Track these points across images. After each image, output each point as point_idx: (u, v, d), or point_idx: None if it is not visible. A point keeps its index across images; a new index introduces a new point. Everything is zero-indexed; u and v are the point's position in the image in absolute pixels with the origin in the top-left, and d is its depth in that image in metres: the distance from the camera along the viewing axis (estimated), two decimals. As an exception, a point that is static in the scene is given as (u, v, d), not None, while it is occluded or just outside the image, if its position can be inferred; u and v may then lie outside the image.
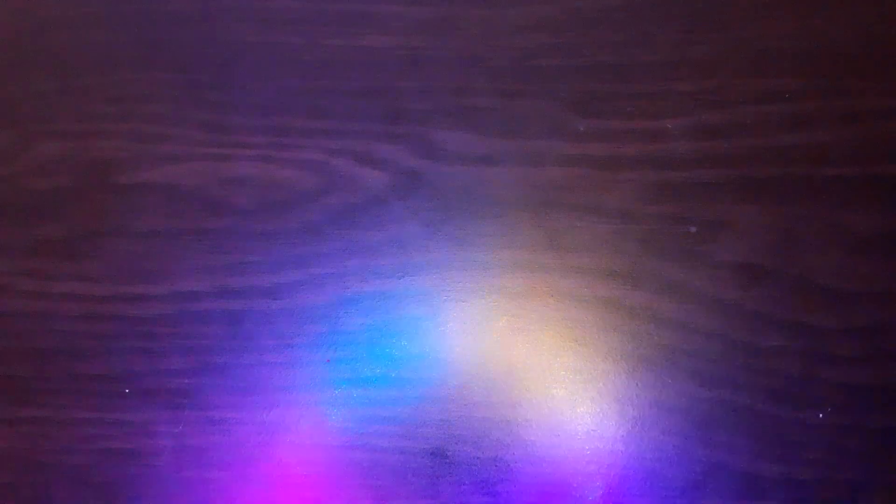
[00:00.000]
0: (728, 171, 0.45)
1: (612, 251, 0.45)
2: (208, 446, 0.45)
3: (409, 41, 0.47)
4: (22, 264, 0.47)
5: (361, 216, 0.46)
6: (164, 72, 0.48)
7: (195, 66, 0.48)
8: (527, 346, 0.45)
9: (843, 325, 0.44)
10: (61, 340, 0.46)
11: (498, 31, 0.47)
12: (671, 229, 0.45)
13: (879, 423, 0.43)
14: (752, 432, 0.44)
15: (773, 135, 0.46)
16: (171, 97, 0.48)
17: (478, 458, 0.44)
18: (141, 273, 0.46)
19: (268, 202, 0.47)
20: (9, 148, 0.48)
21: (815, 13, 0.46)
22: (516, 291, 0.45)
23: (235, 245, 0.46)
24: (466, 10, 0.47)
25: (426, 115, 0.47)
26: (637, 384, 0.44)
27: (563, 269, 0.45)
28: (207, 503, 0.45)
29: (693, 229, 0.45)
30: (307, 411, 0.45)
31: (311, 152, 0.47)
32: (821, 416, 0.44)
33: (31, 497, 0.45)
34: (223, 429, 0.45)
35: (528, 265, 0.45)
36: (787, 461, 0.43)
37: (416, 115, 0.47)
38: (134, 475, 0.45)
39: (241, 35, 0.48)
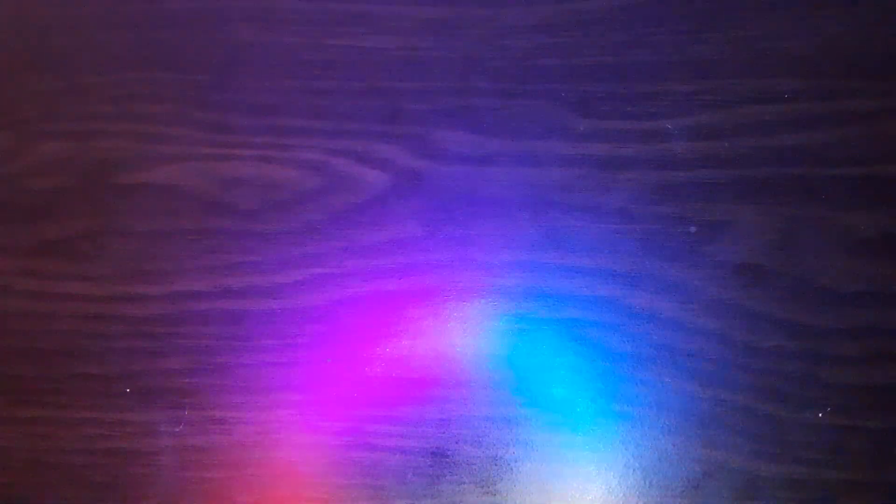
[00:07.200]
0: (728, 171, 0.45)
1: (612, 251, 0.45)
2: (209, 446, 0.45)
3: (410, 41, 0.47)
4: (22, 264, 0.47)
5: (361, 216, 0.46)
6: (164, 72, 0.48)
7: (195, 66, 0.48)
8: (527, 346, 0.45)
9: (843, 325, 0.44)
10: (61, 340, 0.46)
11: (498, 31, 0.47)
12: (671, 229, 0.45)
13: (879, 423, 0.43)
14: (751, 432, 0.44)
15: (773, 135, 0.46)
16: (171, 97, 0.48)
17: (478, 457, 0.44)
18: (141, 273, 0.46)
19: (268, 202, 0.47)
20: (9, 148, 0.48)
21: (815, 13, 0.46)
22: (516, 291, 0.45)
23: (235, 245, 0.46)
24: (466, 11, 0.47)
25: (426, 115, 0.47)
26: (637, 384, 0.44)
27: (563, 269, 0.45)
28: (207, 503, 0.45)
29: (693, 229, 0.45)
30: (307, 411, 0.45)
31: (311, 152, 0.47)
32: (821, 416, 0.44)
33: (32, 497, 0.45)
34: (223, 428, 0.45)
35: (528, 265, 0.45)
36: (786, 461, 0.43)
37: (416, 115, 0.47)
38: (134, 475, 0.45)
39: (241, 35, 0.48)
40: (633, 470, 0.44)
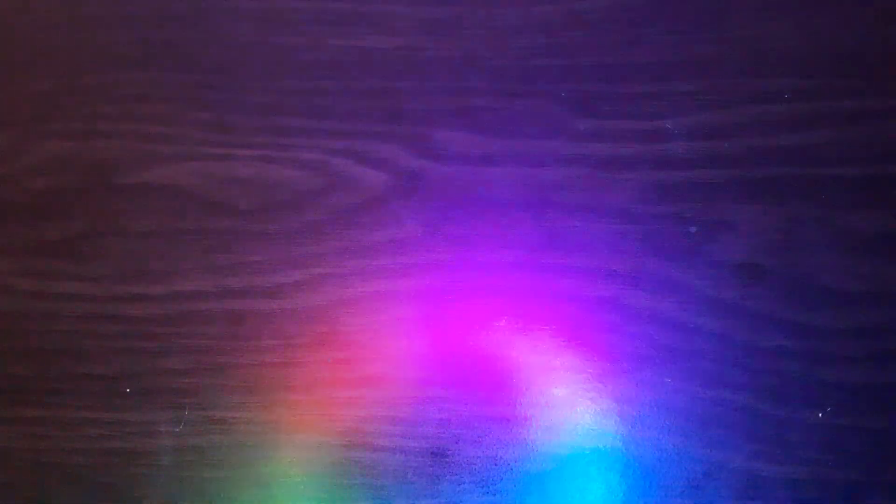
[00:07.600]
0: (728, 171, 0.45)
1: (612, 251, 0.45)
2: (208, 446, 0.45)
3: (410, 41, 0.47)
4: (22, 264, 0.47)
5: (361, 216, 0.46)
6: (164, 72, 0.48)
7: (195, 66, 0.48)
8: (527, 346, 0.45)
9: (843, 325, 0.44)
10: (61, 340, 0.46)
11: (498, 31, 0.47)
12: (671, 229, 0.45)
13: (879, 423, 0.43)
14: (751, 432, 0.44)
15: (773, 135, 0.46)
16: (171, 97, 0.48)
17: (478, 457, 0.44)
18: (141, 273, 0.46)
19: (268, 202, 0.47)
20: (9, 148, 0.48)
21: (815, 13, 0.46)
22: (516, 291, 0.45)
23: (235, 245, 0.46)
24: (467, 10, 0.47)
25: (426, 115, 0.47)
26: (637, 384, 0.44)
27: (563, 269, 0.45)
28: (207, 503, 0.45)
29: (693, 229, 0.45)
30: (307, 411, 0.45)
31: (311, 152, 0.47)
32: (821, 416, 0.44)
33: (31, 497, 0.45)
34: (223, 429, 0.45)
35: (528, 265, 0.45)
36: (786, 461, 0.43)
37: (416, 115, 0.47)
38: (134, 475, 0.45)
39: (241, 35, 0.48)
40: (633, 470, 0.44)
